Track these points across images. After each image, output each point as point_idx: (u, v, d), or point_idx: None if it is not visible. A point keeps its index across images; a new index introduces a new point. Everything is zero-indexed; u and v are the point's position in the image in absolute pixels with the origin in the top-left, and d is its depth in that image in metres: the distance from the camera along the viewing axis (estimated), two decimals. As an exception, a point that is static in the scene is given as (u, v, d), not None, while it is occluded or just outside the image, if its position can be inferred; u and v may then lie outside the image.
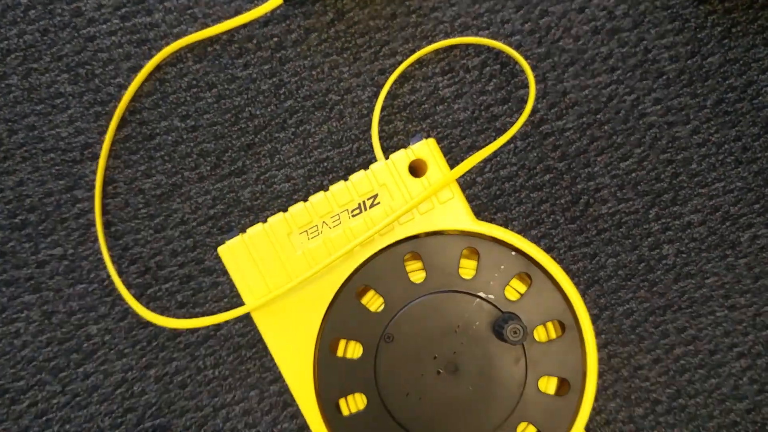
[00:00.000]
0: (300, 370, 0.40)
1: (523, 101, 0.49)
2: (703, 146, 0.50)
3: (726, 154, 0.50)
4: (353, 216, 0.41)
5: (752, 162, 0.50)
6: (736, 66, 0.50)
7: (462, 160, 0.49)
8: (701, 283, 0.49)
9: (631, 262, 0.49)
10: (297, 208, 0.41)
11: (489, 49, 0.50)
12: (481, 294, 0.40)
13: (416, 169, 0.42)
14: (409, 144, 0.42)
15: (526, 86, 0.50)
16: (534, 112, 0.50)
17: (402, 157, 0.41)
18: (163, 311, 0.49)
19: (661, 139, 0.50)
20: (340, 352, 0.41)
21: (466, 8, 0.50)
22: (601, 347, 0.49)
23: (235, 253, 0.40)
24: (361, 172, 0.41)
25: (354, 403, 0.41)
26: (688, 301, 0.49)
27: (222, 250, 0.40)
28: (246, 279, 0.40)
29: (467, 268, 0.41)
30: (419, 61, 0.50)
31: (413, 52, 0.50)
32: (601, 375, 0.49)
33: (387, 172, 0.41)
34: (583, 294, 0.49)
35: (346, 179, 0.41)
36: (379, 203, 0.41)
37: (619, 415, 0.49)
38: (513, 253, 0.40)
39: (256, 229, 0.41)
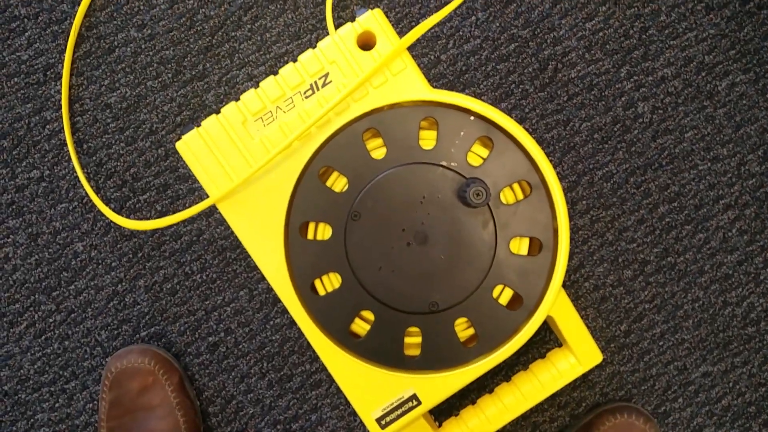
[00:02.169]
0: (272, 256, 0.41)
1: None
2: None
3: (695, 2, 0.47)
4: (306, 98, 0.40)
5: (723, 6, 0.47)
6: None
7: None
8: (680, 138, 0.48)
9: (606, 124, 0.48)
10: (248, 95, 0.40)
11: None
12: (443, 163, 0.40)
13: (366, 44, 0.41)
14: (355, 17, 0.41)
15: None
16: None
17: (349, 31, 0.40)
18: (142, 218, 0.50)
19: (628, -7, 0.48)
20: (310, 235, 0.41)
21: None
22: (583, 213, 0.49)
23: (193, 147, 0.40)
24: (309, 50, 0.40)
25: (329, 283, 0.41)
26: (668, 158, 0.48)
27: (180, 146, 0.40)
28: (207, 172, 0.40)
29: (427, 139, 0.41)
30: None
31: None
32: (585, 240, 0.49)
33: (335, 49, 0.40)
34: (560, 161, 0.49)
35: (296, 61, 0.40)
36: (330, 82, 0.40)
37: (608, 279, 0.49)
38: (472, 117, 0.40)
39: (210, 121, 0.40)
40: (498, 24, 0.48)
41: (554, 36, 0.48)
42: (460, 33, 0.48)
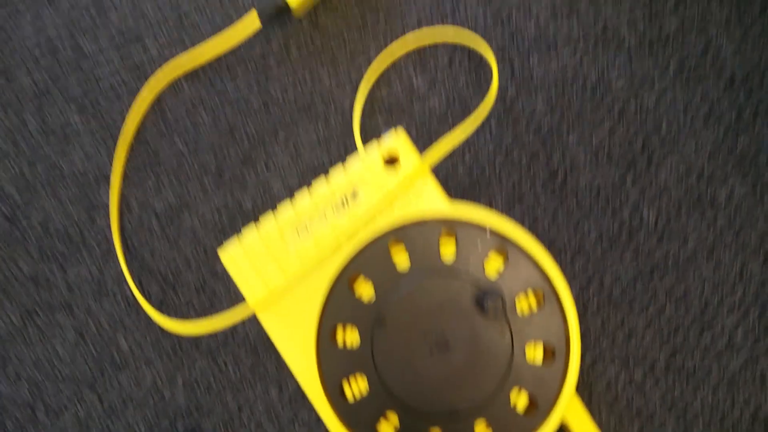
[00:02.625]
0: (304, 360, 0.44)
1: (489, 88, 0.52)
2: (670, 110, 0.52)
3: (694, 115, 0.51)
4: (337, 210, 0.44)
5: (720, 120, 0.51)
6: (694, 28, 0.52)
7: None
8: (684, 243, 0.51)
9: (613, 229, 0.52)
10: (284, 208, 0.44)
11: (454, 45, 0.53)
12: (462, 274, 0.43)
13: (391, 160, 0.45)
14: (382, 136, 0.45)
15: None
16: (504, 95, 0.53)
17: (374, 151, 0.44)
18: (182, 319, 0.54)
19: (629, 109, 0.52)
20: (339, 340, 0.44)
21: (430, 6, 0.53)
22: (594, 313, 0.52)
23: (233, 256, 0.44)
24: (339, 167, 0.44)
25: (357, 387, 0.44)
26: (673, 261, 0.51)
27: (222, 253, 0.44)
28: (246, 279, 0.44)
29: (448, 251, 0.44)
30: (393, 63, 0.53)
31: (386, 53, 0.53)
32: (596, 341, 0.51)
33: (362, 167, 0.44)
34: (570, 264, 0.52)
35: (327, 176, 0.44)
36: (359, 195, 0.44)
37: (620, 380, 0.51)
38: (488, 231, 0.43)
39: (249, 230, 0.44)
40: (510, 135, 0.52)
41: (562, 147, 0.52)
42: (475, 144, 0.53)
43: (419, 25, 0.53)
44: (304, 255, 0.44)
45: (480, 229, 0.44)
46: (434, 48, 0.53)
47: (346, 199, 0.44)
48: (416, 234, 0.44)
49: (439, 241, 0.44)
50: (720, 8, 0.51)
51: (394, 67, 0.53)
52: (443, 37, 0.52)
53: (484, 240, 0.43)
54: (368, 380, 0.43)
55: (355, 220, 0.44)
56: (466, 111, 0.53)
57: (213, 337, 0.54)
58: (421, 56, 0.53)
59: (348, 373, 0.43)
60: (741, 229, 0.51)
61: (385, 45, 0.53)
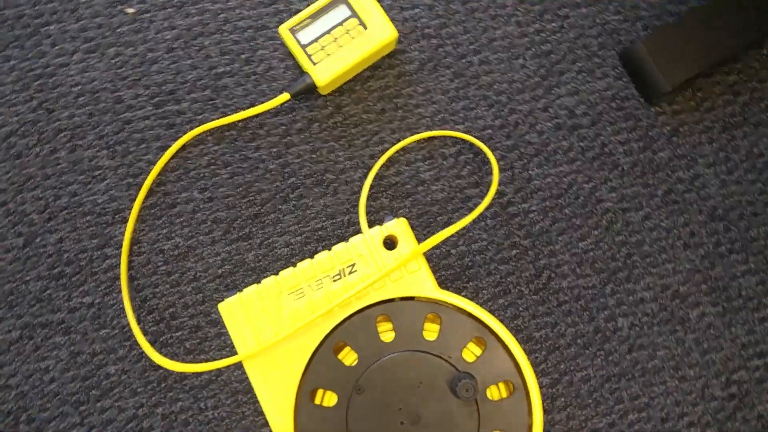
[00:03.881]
0: (282, 414, 0.46)
1: (489, 186, 0.57)
2: (654, 230, 0.56)
3: (675, 239, 0.56)
4: (334, 281, 0.48)
5: (699, 246, 0.55)
6: (684, 161, 0.56)
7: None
8: (653, 355, 0.55)
9: (588, 332, 0.55)
10: (286, 273, 0.48)
11: (463, 140, 0.58)
12: (442, 355, 0.46)
13: (390, 243, 0.49)
14: (384, 222, 0.49)
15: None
16: (502, 195, 0.57)
17: (377, 233, 0.48)
18: (173, 356, 0.57)
19: (616, 223, 0.56)
20: (317, 400, 0.47)
21: (445, 106, 0.58)
22: (560, 409, 0.54)
23: (232, 310, 0.48)
24: (342, 244, 0.48)
25: (326, 445, 0.47)
26: (641, 371, 0.54)
27: (221, 307, 0.48)
28: (240, 332, 0.47)
29: (431, 331, 0.48)
30: (404, 149, 0.58)
31: (399, 141, 0.58)
32: (559, 435, 0.54)
33: (364, 245, 0.48)
34: (545, 359, 0.55)
35: (330, 249, 0.48)
36: (356, 271, 0.48)
37: (578, 474, 0.54)
38: (470, 318, 0.47)
39: (251, 289, 0.48)
40: (503, 232, 0.56)
41: (551, 249, 0.56)
42: (470, 234, 0.57)
43: (433, 121, 0.58)
44: (296, 317, 0.47)
45: (463, 317, 0.47)
46: (443, 144, 0.58)
47: (344, 271, 0.48)
48: (404, 311, 0.47)
49: (424, 320, 0.47)
50: (710, 147, 0.56)
51: (404, 155, 0.58)
52: (451, 135, 0.57)
53: (466, 327, 0.47)
54: None
55: (350, 292, 0.47)
56: (465, 202, 0.57)
57: (197, 377, 0.56)
58: (430, 150, 0.58)
59: (321, 431, 0.46)
60: (707, 350, 0.54)
61: (399, 135, 0.58)
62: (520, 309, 0.55)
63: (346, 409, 0.46)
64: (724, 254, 0.56)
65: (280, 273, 0.48)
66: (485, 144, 0.57)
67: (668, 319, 0.55)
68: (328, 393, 0.47)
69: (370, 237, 0.48)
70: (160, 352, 0.57)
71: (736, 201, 0.56)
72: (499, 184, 0.57)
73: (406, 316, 0.47)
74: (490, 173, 0.57)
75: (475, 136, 0.57)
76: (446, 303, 0.47)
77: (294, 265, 0.52)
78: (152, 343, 0.57)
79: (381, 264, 0.48)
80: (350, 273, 0.48)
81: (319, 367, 0.47)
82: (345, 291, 0.48)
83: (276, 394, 0.47)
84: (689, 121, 0.57)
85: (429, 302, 0.47)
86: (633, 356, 0.55)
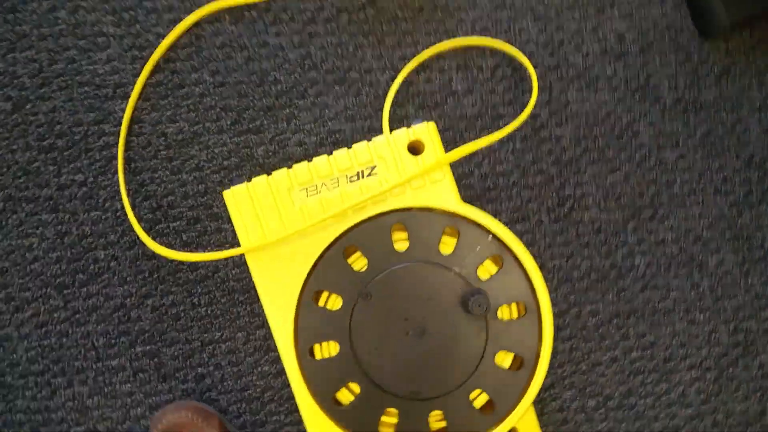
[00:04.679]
0: (282, 313, 0.44)
1: (525, 105, 0.53)
2: (687, 172, 0.53)
3: (707, 182, 0.53)
4: (351, 182, 0.45)
5: (729, 193, 0.53)
6: (729, 103, 0.53)
7: (461, 150, 0.53)
8: (666, 296, 0.53)
9: (603, 267, 0.53)
10: (300, 166, 0.45)
11: (503, 53, 0.54)
12: (455, 269, 0.44)
13: (414, 149, 0.45)
14: (411, 124, 0.46)
15: (532, 92, 0.53)
16: (535, 117, 0.53)
17: (402, 135, 0.45)
18: (168, 247, 0.54)
19: (649, 160, 0.53)
20: (321, 302, 0.45)
21: (489, 12, 0.54)
22: (565, 339, 0.53)
23: (239, 199, 0.44)
24: (364, 142, 0.45)
25: (327, 350, 0.45)
26: (651, 310, 0.53)
27: (227, 194, 0.44)
28: (245, 223, 0.44)
29: (447, 244, 0.45)
30: (438, 55, 0.54)
31: (434, 44, 0.54)
32: (561, 365, 0.53)
33: (387, 147, 0.45)
34: (555, 289, 0.53)
35: (350, 147, 0.45)
36: (375, 174, 0.45)
37: (573, 404, 0.53)
38: (490, 236, 0.44)
39: (260, 179, 0.44)
40: (531, 156, 0.53)
41: (578, 179, 0.53)
42: (496, 155, 0.54)
43: (473, 28, 0.54)
44: (308, 214, 0.44)
45: (483, 233, 0.44)
46: (481, 54, 0.54)
47: (363, 173, 0.45)
48: (421, 221, 0.44)
49: (441, 233, 0.44)
50: (759, 92, 0.53)
51: (438, 62, 0.54)
52: (490, 44, 0.53)
53: (485, 244, 0.44)
54: (340, 346, 0.44)
55: (367, 195, 0.44)
56: (496, 121, 0.54)
57: (193, 271, 0.54)
58: (466, 59, 0.54)
59: (322, 335, 0.44)
60: (721, 297, 0.53)
61: (435, 39, 0.54)
62: (537, 237, 0.53)
63: (350, 314, 0.44)
64: (753, 203, 0.53)
65: (294, 166, 0.45)
66: (527, 57, 0.53)
67: (686, 263, 0.53)
68: (333, 296, 0.45)
69: (395, 138, 0.45)
70: (155, 242, 0.54)
71: (775, 150, 0.54)
72: (535, 106, 0.54)
73: (422, 226, 0.44)
74: (527, 92, 0.54)
75: (517, 48, 0.53)
76: (467, 218, 0.45)
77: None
78: (147, 231, 0.54)
79: (403, 169, 0.45)
80: (369, 175, 0.45)
81: (327, 269, 0.44)
82: (362, 193, 0.44)
83: (278, 293, 0.44)
84: (741, 63, 0.53)
85: (448, 215, 0.44)
86: (645, 295, 0.53)
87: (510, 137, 0.54)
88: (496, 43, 0.53)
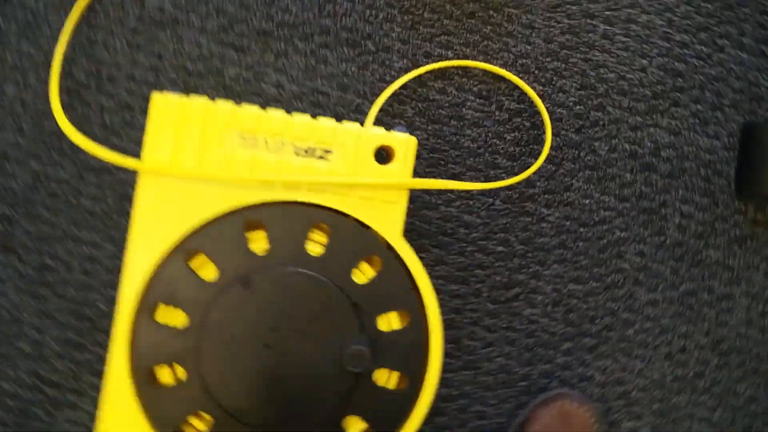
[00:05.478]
0: (142, 261, 0.37)
1: (525, 168, 0.46)
2: (650, 321, 0.47)
3: (663, 343, 0.47)
4: (297, 154, 0.38)
5: (680, 366, 0.47)
6: (728, 275, 0.47)
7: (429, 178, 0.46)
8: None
9: (517, 374, 0.47)
10: (252, 109, 0.37)
11: (531, 102, 0.47)
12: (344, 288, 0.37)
13: (382, 156, 0.39)
14: (393, 129, 0.39)
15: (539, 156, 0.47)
16: (530, 184, 0.47)
17: (377, 135, 0.38)
18: (84, 120, 0.46)
19: (621, 289, 0.47)
20: (194, 266, 0.38)
21: (538, 55, 0.47)
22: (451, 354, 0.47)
23: (166, 109, 0.37)
24: (332, 121, 0.38)
25: (175, 318, 0.38)
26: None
27: (156, 97, 0.37)
28: (158, 139, 0.37)
29: (362, 272, 0.38)
30: (464, 69, 0.47)
31: (466, 58, 0.47)
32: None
33: (355, 138, 0.38)
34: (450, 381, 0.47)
35: (316, 118, 0.38)
36: (327, 160, 0.38)
37: None
38: (407, 286, 0.38)
39: (201, 100, 0.37)
40: (504, 222, 0.47)
41: (538, 270, 0.47)
42: (470, 202, 0.47)
43: (514, 62, 0.47)
44: (231, 164, 0.37)
45: (405, 280, 0.38)
46: (509, 92, 0.47)
47: (314, 152, 0.38)
48: (348, 234, 0.37)
49: (359, 260, 0.37)
50: (764, 277, 0.47)
51: (461, 76, 0.47)
52: (522, 86, 0.46)
53: (400, 292, 0.38)
54: (186, 369, 0.36)
55: (306, 176, 0.37)
56: (488, 168, 0.47)
57: (94, 158, 0.46)
58: (490, 89, 0.47)
59: (175, 300, 0.37)
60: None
61: (470, 52, 0.47)
62: (467, 307, 0.47)
63: (224, 287, 0.37)
64: (698, 389, 0.47)
65: (243, 104, 0.38)
66: (551, 121, 0.47)
67: (600, 415, 0.47)
68: (211, 267, 0.38)
69: (367, 135, 0.38)
70: (78, 114, 0.46)
71: (752, 341, 0.47)
72: (534, 173, 0.47)
73: (340, 235, 0.37)
74: (534, 156, 0.47)
75: (546, 107, 0.46)
76: (394, 252, 0.38)
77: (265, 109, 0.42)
78: (74, 92, 0.46)
79: (359, 170, 0.38)
80: (319, 157, 0.38)
81: (215, 233, 0.37)
82: (302, 172, 0.37)
83: (151, 233, 0.37)
84: (761, 239, 0.47)
85: (376, 241, 0.38)
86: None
87: (493, 193, 0.47)
88: (527, 88, 0.46)
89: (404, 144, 0.38)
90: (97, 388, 0.46)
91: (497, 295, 0.47)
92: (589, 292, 0.47)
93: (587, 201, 0.47)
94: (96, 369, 0.46)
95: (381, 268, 0.37)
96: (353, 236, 0.37)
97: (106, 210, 0.46)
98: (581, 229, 0.47)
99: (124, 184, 0.46)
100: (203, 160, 0.37)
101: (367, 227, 0.38)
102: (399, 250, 0.37)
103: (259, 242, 0.38)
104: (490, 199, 0.47)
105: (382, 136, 0.38)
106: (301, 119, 0.37)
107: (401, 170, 0.38)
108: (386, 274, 0.37)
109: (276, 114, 0.37)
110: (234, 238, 0.37)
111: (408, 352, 0.37)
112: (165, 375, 0.37)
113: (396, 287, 0.37)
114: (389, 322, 0.38)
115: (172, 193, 0.37)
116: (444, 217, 0.47)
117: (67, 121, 0.42)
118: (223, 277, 0.37)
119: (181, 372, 0.37)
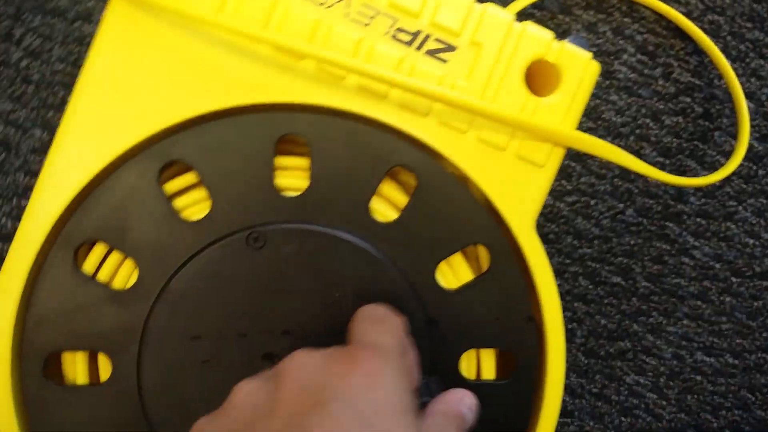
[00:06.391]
0: (81, 147, 0.20)
1: (677, 170, 0.31)
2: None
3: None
4: (392, 37, 0.21)
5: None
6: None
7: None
8: None
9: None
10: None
11: (711, 80, 0.32)
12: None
13: (536, 79, 0.22)
14: (568, 38, 0.22)
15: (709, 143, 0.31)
16: (682, 197, 0.31)
17: (537, 41, 0.21)
18: None
19: (766, 375, 0.32)
20: (170, 190, 0.21)
21: (736, 16, 0.32)
22: None
23: None
24: (472, 2, 0.21)
25: (108, 270, 0.21)
26: None
27: None
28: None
29: (452, 270, 0.22)
30: (632, 4, 0.31)
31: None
32: None
33: (499, 34, 0.21)
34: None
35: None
36: (445, 60, 0.21)
37: None
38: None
39: None
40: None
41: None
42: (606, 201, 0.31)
43: (712, 12, 0.31)
44: (275, 21, 0.21)
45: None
46: (687, 52, 0.31)
47: (426, 41, 0.21)
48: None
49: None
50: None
51: (623, 14, 0.31)
52: (708, 46, 0.31)
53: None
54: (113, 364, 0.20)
55: (405, 79, 0.21)
56: (663, 154, 0.31)
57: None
58: (662, 42, 0.31)
59: (120, 231, 0.20)
60: None
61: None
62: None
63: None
64: None
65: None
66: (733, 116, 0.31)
67: None
68: (199, 196, 0.21)
69: (522, 35, 0.21)
70: None
71: None
72: (688, 185, 0.31)
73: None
74: (696, 157, 0.32)
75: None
76: (507, 232, 0.22)
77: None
78: None
79: (494, 94, 0.22)
80: (433, 53, 0.21)
81: (216, 140, 0.21)
82: (397, 69, 0.21)
83: (106, 117, 0.20)
84: None
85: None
86: None
87: (628, 197, 0.31)
88: (721, 57, 0.30)
89: (580, 66, 0.22)
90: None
91: (595, 346, 0.31)
92: (722, 371, 0.32)
93: (751, 241, 0.32)
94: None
95: (486, 273, 0.21)
96: (454, 206, 0.21)
97: (51, 72, 0.29)
98: (733, 279, 0.32)
99: (85, 37, 0.29)
100: (229, 1, 0.20)
101: (481, 195, 0.21)
102: (526, 247, 0.21)
103: (289, 176, 0.21)
104: (621, 205, 0.31)
105: (547, 44, 0.21)
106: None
107: (566, 111, 0.22)
108: (492, 283, 0.21)
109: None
110: (251, 159, 0.20)
111: (506, 417, 0.21)
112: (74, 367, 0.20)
113: (505, 311, 0.21)
114: (481, 364, 0.22)
115: (156, 46, 0.20)
116: (548, 215, 0.31)
117: None
118: (219, 219, 0.20)
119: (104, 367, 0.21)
